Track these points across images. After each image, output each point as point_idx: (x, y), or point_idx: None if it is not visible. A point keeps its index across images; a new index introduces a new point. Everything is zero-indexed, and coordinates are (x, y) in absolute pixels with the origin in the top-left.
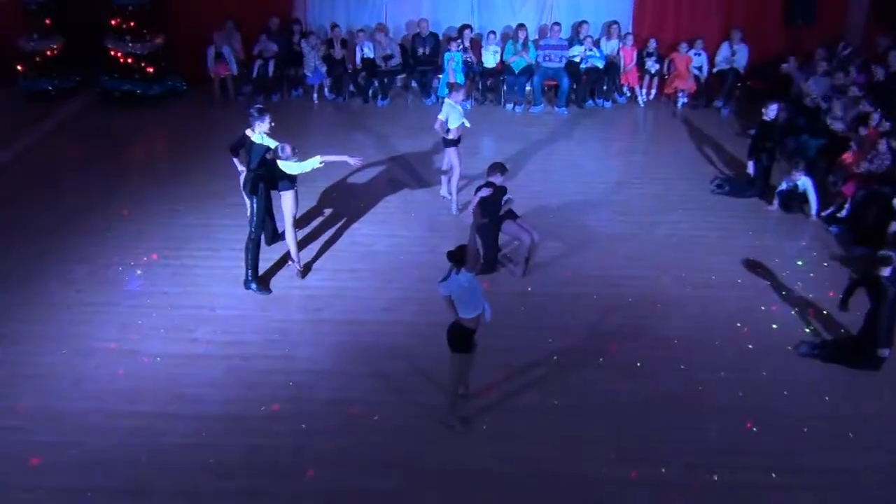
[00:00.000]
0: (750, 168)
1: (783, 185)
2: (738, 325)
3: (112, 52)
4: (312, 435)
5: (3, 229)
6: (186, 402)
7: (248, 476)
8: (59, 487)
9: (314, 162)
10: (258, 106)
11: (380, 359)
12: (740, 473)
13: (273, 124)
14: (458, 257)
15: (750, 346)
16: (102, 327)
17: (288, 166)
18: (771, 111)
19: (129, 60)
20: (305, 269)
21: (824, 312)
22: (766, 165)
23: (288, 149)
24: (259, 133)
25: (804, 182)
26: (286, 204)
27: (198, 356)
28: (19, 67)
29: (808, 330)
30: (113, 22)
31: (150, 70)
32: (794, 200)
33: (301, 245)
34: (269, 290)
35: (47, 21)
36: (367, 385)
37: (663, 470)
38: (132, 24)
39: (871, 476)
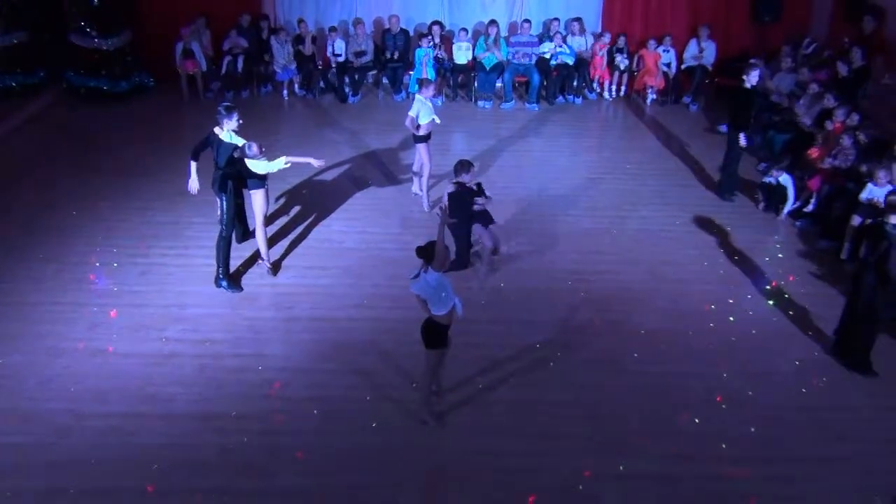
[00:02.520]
0: (742, 140)
1: (765, 179)
2: (708, 317)
3: (77, 48)
4: (286, 433)
5: None
6: (157, 402)
7: (221, 475)
8: (28, 489)
9: (280, 163)
10: (226, 104)
11: (352, 356)
12: (714, 464)
13: (241, 122)
14: (427, 253)
15: (720, 338)
16: (71, 326)
17: (255, 165)
18: (753, 76)
19: (96, 56)
20: (276, 267)
21: (786, 296)
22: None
23: (255, 147)
24: (227, 131)
25: (785, 179)
26: (256, 202)
27: (168, 355)
28: None
29: (770, 303)
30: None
31: (117, 66)
32: (773, 197)
33: (272, 242)
34: (240, 288)
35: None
36: (340, 382)
37: (638, 461)
38: (98, 18)
39: (843, 466)
